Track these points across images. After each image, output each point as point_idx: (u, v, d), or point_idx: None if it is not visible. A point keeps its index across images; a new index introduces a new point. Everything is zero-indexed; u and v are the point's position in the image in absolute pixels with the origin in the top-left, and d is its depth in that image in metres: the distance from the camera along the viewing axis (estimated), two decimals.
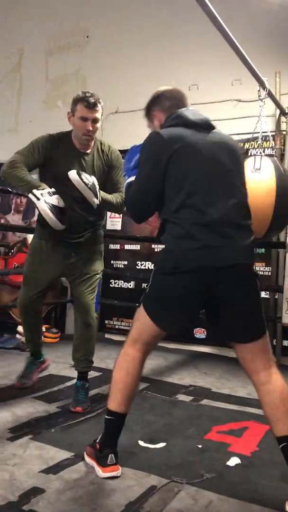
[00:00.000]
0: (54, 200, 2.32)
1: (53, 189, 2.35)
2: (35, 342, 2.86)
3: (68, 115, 2.52)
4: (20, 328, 4.10)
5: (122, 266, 4.86)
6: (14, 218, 5.65)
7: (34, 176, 2.51)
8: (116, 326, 4.81)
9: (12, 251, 4.88)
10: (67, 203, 2.38)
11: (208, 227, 1.65)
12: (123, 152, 5.16)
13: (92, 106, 2.44)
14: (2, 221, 5.62)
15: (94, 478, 1.74)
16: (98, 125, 2.50)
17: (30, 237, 4.70)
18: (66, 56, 5.44)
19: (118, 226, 4.91)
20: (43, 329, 4.29)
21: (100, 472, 1.76)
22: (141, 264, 4.76)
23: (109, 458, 1.76)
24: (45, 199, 2.30)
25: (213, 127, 1.86)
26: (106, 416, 1.82)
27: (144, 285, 4.68)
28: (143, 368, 1.83)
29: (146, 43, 4.92)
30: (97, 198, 2.37)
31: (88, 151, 2.54)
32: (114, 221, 4.93)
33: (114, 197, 2.53)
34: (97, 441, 1.84)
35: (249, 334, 1.69)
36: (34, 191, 2.31)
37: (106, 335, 4.83)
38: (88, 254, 2.61)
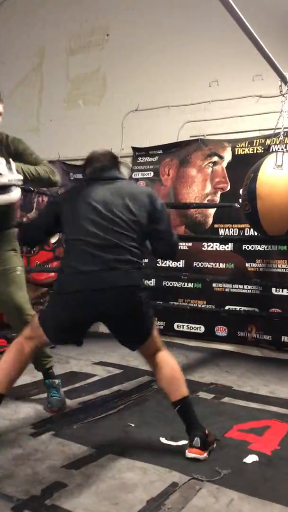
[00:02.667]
0: None
1: None
2: None
3: None
4: None
5: (143, 264, 4.86)
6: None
7: None
8: None
9: (34, 249, 4.94)
10: None
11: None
12: (143, 150, 5.17)
13: None
14: (25, 219, 5.69)
15: (116, 473, 1.76)
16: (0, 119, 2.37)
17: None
18: (87, 55, 5.47)
19: None
20: None
21: None
22: (162, 262, 4.75)
23: None
24: None
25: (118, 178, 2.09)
26: None
27: (164, 282, 4.68)
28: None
29: (166, 41, 4.91)
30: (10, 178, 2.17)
31: None
32: None
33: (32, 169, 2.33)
34: None
35: (135, 343, 2.01)
36: None
37: None
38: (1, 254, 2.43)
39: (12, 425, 2.18)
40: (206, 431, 1.97)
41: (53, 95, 5.66)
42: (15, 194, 2.16)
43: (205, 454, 1.92)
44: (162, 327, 4.66)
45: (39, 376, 3.01)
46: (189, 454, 1.91)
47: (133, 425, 2.24)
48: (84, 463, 1.82)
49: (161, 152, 4.85)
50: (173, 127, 4.79)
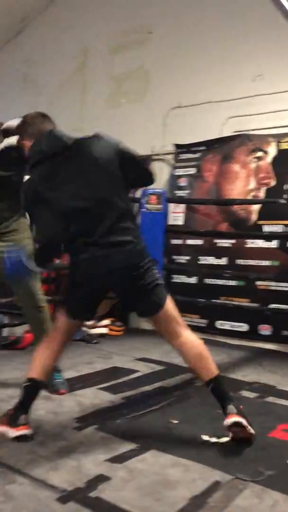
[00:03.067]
0: None
1: None
2: None
3: None
4: None
5: (185, 261, 4.85)
6: None
7: None
8: None
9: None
10: None
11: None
12: (185, 146, 5.15)
13: None
14: None
15: (158, 469, 1.77)
16: None
17: None
18: (129, 53, 5.49)
19: (181, 221, 4.90)
20: (107, 321, 4.40)
21: (13, 432, 1.94)
22: (204, 259, 4.72)
23: (21, 419, 1.97)
24: None
25: (68, 147, 2.01)
26: (26, 384, 2.04)
27: (206, 280, 4.65)
28: (64, 346, 2.11)
29: (208, 36, 4.86)
30: None
31: None
32: (176, 216, 4.92)
33: None
34: (11, 408, 2.04)
35: (150, 308, 2.06)
36: None
37: None
38: (13, 243, 2.55)
39: (57, 419, 2.24)
40: (240, 406, 2.00)
41: (96, 94, 5.72)
42: None
43: (244, 420, 1.93)
44: (204, 325, 4.63)
45: (83, 370, 3.08)
46: (228, 420, 1.93)
47: (175, 421, 2.25)
48: (127, 458, 1.85)
49: (204, 148, 4.80)
50: (216, 122, 4.73)
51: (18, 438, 1.93)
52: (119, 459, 1.83)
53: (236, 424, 1.92)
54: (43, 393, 2.54)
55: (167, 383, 2.90)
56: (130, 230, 2.00)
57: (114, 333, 4.43)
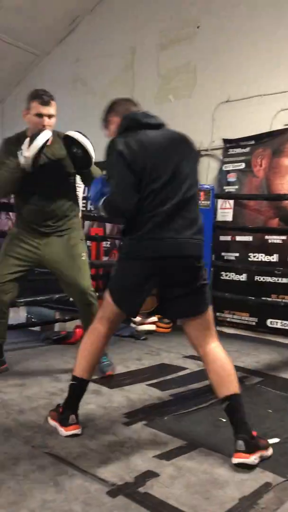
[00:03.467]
0: (27, 148, 2.43)
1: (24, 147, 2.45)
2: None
3: (23, 112, 2.57)
4: None
5: (234, 258, 4.78)
6: None
7: None
8: (228, 319, 4.76)
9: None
10: (39, 197, 2.60)
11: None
12: (234, 141, 5.06)
13: (46, 103, 2.51)
14: None
15: (207, 468, 1.76)
16: (54, 120, 2.57)
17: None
18: (177, 49, 5.47)
19: (229, 217, 4.83)
20: (155, 318, 4.41)
21: (63, 431, 1.97)
22: (254, 256, 4.63)
23: (70, 418, 1.99)
24: (25, 154, 2.44)
25: (163, 125, 2.02)
26: (71, 382, 2.04)
27: (256, 277, 4.56)
28: (107, 341, 2.07)
29: (256, 28, 4.75)
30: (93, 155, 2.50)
31: (48, 144, 2.53)
32: (224, 212, 4.86)
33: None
34: (61, 405, 2.06)
35: (193, 309, 1.94)
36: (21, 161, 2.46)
37: (218, 328, 4.79)
38: (66, 240, 2.71)
39: (107, 413, 2.27)
40: (253, 433, 1.84)
41: (145, 91, 5.73)
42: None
43: (253, 458, 1.76)
44: (254, 323, 4.56)
45: (132, 367, 3.11)
46: (234, 460, 1.77)
47: (224, 420, 2.22)
48: (175, 455, 1.85)
49: (253, 142, 4.71)
50: (265, 116, 4.62)
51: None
52: (167, 456, 1.84)
53: (242, 465, 1.75)
54: (94, 387, 2.60)
55: None
56: (200, 222, 1.97)
57: (162, 330, 4.45)
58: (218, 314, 4.81)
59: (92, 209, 2.16)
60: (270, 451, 1.87)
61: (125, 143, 1.88)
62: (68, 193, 2.73)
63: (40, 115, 2.50)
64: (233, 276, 4.76)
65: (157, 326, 4.44)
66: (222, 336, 4.58)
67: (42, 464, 1.72)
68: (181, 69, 5.43)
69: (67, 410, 2.01)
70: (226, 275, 4.80)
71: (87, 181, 2.68)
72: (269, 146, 4.58)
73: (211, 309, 2.00)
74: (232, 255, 4.80)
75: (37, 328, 4.26)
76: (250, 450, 1.77)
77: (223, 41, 5.02)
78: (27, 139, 2.45)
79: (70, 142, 2.50)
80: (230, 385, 1.88)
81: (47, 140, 2.46)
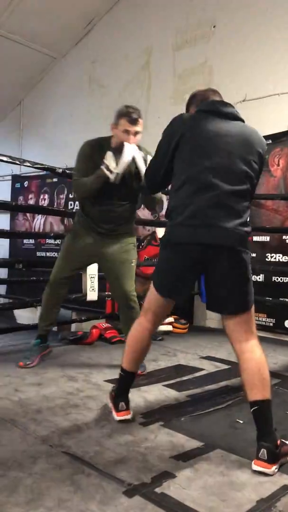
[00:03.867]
0: (114, 162, 2.60)
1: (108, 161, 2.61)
2: (47, 323, 3.08)
3: (112, 126, 2.71)
4: None
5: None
6: (144, 213, 5.86)
7: None
8: None
9: (143, 244, 5.08)
10: (108, 200, 2.77)
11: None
12: None
13: (134, 121, 2.66)
14: None
15: (224, 469, 1.75)
16: (139, 136, 2.73)
17: (159, 230, 4.85)
18: (193, 49, 5.45)
19: None
20: (171, 319, 4.40)
21: (115, 416, 2.13)
22: (271, 256, 4.59)
23: (120, 405, 2.12)
24: (114, 166, 2.59)
25: (238, 119, 1.94)
26: (120, 372, 2.15)
27: (274, 278, 4.52)
28: (150, 336, 2.10)
29: (272, 27, 4.71)
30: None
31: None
32: None
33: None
34: (114, 390, 2.20)
35: (235, 307, 1.88)
36: (108, 172, 2.60)
37: None
38: (123, 244, 2.90)
39: None
40: (278, 442, 1.78)
41: (161, 92, 5.74)
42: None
43: (273, 468, 1.71)
44: (271, 324, 4.51)
45: (149, 367, 3.10)
46: (255, 466, 1.72)
47: (241, 421, 2.21)
48: (192, 456, 1.84)
49: (270, 142, 4.66)
50: (283, 115, 4.58)
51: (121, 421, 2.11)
52: (184, 457, 1.83)
53: (262, 473, 1.71)
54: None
55: (233, 382, 2.85)
56: (246, 216, 1.93)
57: (178, 330, 4.44)
58: None
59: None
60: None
61: (192, 119, 1.91)
62: (134, 200, 2.90)
63: (127, 132, 2.65)
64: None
65: (174, 327, 4.43)
66: None
67: (59, 463, 1.73)
68: (197, 69, 5.41)
69: (118, 398, 2.14)
70: None
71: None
72: (287, 145, 4.53)
73: (253, 307, 1.93)
74: None
75: (54, 328, 4.28)
76: (272, 460, 1.73)
77: (239, 40, 5.00)
78: (111, 153, 2.60)
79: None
80: (263, 390, 1.80)
81: (133, 157, 2.62)
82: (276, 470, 1.73)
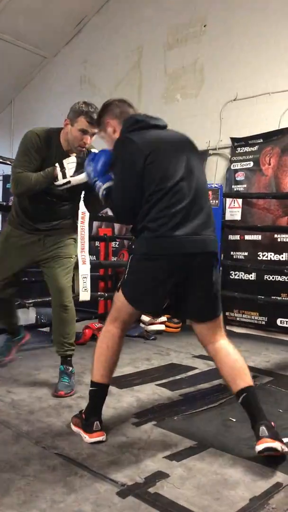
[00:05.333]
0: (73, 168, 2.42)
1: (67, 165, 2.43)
2: (9, 324, 3.01)
3: (66, 121, 2.50)
4: (143, 317, 4.26)
5: (243, 257, 4.76)
6: None
7: None
8: (238, 319, 4.74)
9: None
10: (49, 199, 2.55)
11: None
12: (242, 140, 5.04)
13: (94, 122, 2.41)
14: None
15: (217, 468, 1.75)
16: (94, 138, 2.54)
17: None
18: (184, 48, 5.46)
19: (238, 216, 4.81)
20: (164, 318, 4.40)
21: (87, 438, 1.93)
22: (263, 255, 4.61)
23: (95, 425, 1.94)
24: (71, 174, 2.42)
25: (166, 127, 2.03)
26: (91, 388, 1.99)
27: (266, 276, 4.54)
28: (122, 343, 2.01)
29: (264, 26, 4.73)
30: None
31: (73, 154, 2.54)
32: (233, 211, 4.84)
33: None
34: (83, 411, 2.01)
35: (214, 312, 1.95)
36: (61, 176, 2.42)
37: (227, 327, 4.78)
38: (60, 239, 2.68)
39: (117, 413, 2.27)
40: (273, 423, 1.83)
41: (152, 91, 5.74)
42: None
43: (278, 444, 1.73)
44: (263, 322, 4.54)
45: (142, 367, 3.11)
46: (259, 446, 1.73)
47: (234, 420, 2.22)
48: (185, 455, 1.84)
49: (261, 141, 4.69)
50: (274, 114, 4.60)
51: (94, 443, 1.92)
52: (177, 456, 1.83)
53: (269, 449, 1.73)
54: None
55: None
56: (213, 219, 1.96)
57: (171, 330, 4.44)
58: (227, 313, 4.79)
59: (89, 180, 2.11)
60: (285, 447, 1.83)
61: (142, 138, 1.89)
62: (78, 200, 2.72)
63: (85, 132, 2.47)
64: (242, 275, 4.74)
65: (167, 326, 4.44)
66: (231, 335, 4.55)
67: (52, 464, 1.72)
68: (188, 68, 5.42)
69: (90, 417, 1.96)
70: (235, 274, 4.79)
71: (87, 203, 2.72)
72: (278, 144, 4.55)
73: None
74: (241, 254, 4.78)
75: (46, 329, 4.27)
76: (273, 436, 1.76)
77: (230, 39, 5.01)
78: (75, 159, 2.43)
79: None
80: (245, 377, 1.88)
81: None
82: (285, 449, 1.74)
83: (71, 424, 2.06)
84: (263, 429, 1.77)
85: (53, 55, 6.96)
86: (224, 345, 1.95)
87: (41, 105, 7.12)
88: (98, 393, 1.99)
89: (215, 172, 5.01)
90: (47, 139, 2.50)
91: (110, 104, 2.09)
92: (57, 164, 2.43)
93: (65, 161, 2.43)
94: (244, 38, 4.89)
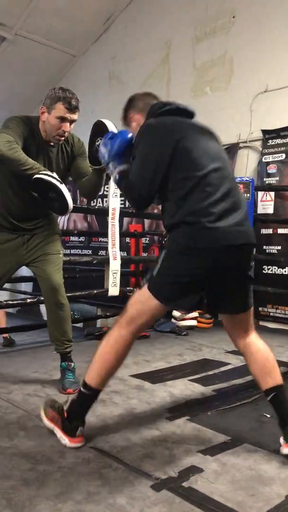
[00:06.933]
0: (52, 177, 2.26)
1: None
2: None
3: (42, 109, 2.35)
4: (175, 313, 4.26)
5: (276, 252, 4.68)
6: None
7: None
8: (271, 314, 4.67)
9: (166, 239, 5.07)
10: (26, 192, 2.37)
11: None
12: (273, 132, 4.93)
13: (73, 108, 2.31)
14: (155, 211, 5.86)
15: (252, 464, 1.73)
16: (73, 126, 2.39)
17: None
18: (212, 41, 5.39)
19: (270, 210, 4.73)
20: (196, 314, 4.39)
21: (68, 442, 1.81)
22: None
23: (79, 430, 1.82)
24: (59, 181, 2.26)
25: (194, 115, 1.95)
26: (83, 389, 1.83)
27: None
28: (131, 347, 1.85)
29: None
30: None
31: (53, 144, 2.43)
32: (265, 205, 4.76)
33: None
34: (65, 409, 1.86)
35: (248, 304, 1.87)
36: (48, 173, 2.24)
37: (261, 323, 4.72)
38: (45, 237, 2.54)
39: (150, 408, 2.28)
40: None
41: (181, 85, 5.70)
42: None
43: None
44: None
45: (174, 362, 3.11)
46: (285, 450, 1.74)
47: (268, 416, 2.19)
48: (219, 450, 1.83)
49: None
50: None
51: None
52: (211, 451, 1.83)
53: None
54: (136, 382, 2.61)
55: None
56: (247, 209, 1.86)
57: (203, 325, 4.42)
58: (260, 308, 4.73)
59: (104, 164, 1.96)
60: None
61: (172, 120, 1.81)
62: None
63: (63, 119, 2.32)
64: (275, 269, 4.66)
65: (199, 322, 4.42)
66: (265, 330, 4.52)
67: (87, 457, 1.75)
68: (217, 61, 5.35)
69: (75, 420, 1.83)
70: (268, 269, 4.71)
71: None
72: None
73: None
74: (274, 248, 4.70)
75: (80, 324, 4.34)
76: None
77: (259, 30, 4.92)
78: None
79: (44, 185, 2.26)
80: (275, 376, 1.83)
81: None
82: None
83: (43, 416, 1.92)
84: None
85: (82, 53, 7.01)
86: (254, 340, 1.89)
87: None
88: (88, 397, 1.84)
89: (246, 165, 4.94)
90: (28, 126, 2.35)
91: (134, 99, 2.00)
92: (47, 171, 2.26)
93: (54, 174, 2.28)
94: (274, 28, 4.79)
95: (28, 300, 3.90)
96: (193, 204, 1.70)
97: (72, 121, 2.35)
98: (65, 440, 1.82)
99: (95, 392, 1.83)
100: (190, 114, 1.94)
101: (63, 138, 2.40)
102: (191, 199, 1.70)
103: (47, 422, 1.91)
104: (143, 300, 1.79)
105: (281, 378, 1.84)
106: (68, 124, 2.34)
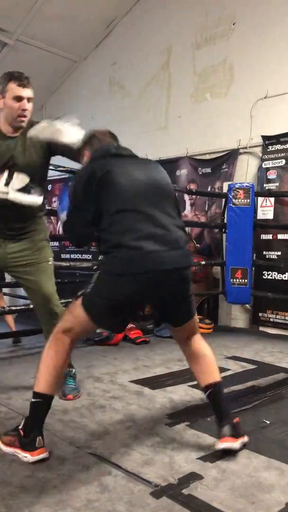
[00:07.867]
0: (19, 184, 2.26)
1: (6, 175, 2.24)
2: None
3: None
4: None
5: (275, 257, 4.69)
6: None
7: None
8: (271, 319, 4.66)
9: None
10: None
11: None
12: (273, 138, 4.97)
13: (25, 83, 2.22)
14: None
15: (252, 471, 1.73)
16: (31, 105, 2.29)
17: None
18: (213, 47, 5.42)
19: (270, 215, 4.74)
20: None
21: (29, 457, 1.73)
22: None
23: (37, 441, 1.75)
24: (16, 188, 2.26)
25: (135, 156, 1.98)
26: (33, 400, 1.80)
27: None
28: (71, 355, 1.91)
29: None
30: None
31: (15, 134, 2.31)
32: (265, 210, 4.77)
33: None
34: (20, 427, 1.81)
35: (191, 314, 2.00)
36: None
37: (261, 328, 4.72)
38: (32, 243, 2.42)
39: (149, 414, 2.28)
40: (236, 419, 1.89)
41: (181, 91, 5.72)
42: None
43: (238, 443, 1.83)
44: None
45: (174, 368, 3.10)
46: (220, 444, 1.82)
47: (268, 422, 2.18)
48: (219, 457, 1.82)
49: None
50: None
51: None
52: (211, 457, 1.82)
53: (228, 450, 1.83)
54: (136, 388, 2.60)
55: (259, 382, 2.82)
56: (182, 225, 1.92)
57: (203, 330, 4.40)
58: (260, 314, 4.73)
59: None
60: (246, 438, 1.88)
61: (99, 163, 1.85)
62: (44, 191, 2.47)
63: (19, 98, 2.23)
64: (275, 275, 4.66)
65: (198, 327, 4.41)
66: (265, 336, 4.53)
67: (87, 464, 1.74)
68: (218, 67, 5.38)
69: (32, 432, 1.77)
70: (268, 274, 4.71)
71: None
72: None
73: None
74: (274, 254, 4.71)
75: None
76: (236, 435, 1.84)
77: (259, 36, 4.94)
78: (25, 181, 2.28)
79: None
80: (215, 373, 1.95)
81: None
82: (239, 446, 1.83)
83: (1, 444, 1.84)
84: (227, 429, 1.84)
85: (83, 59, 7.04)
86: (196, 340, 2.01)
87: (71, 108, 7.21)
88: (42, 405, 1.81)
89: (246, 171, 4.95)
90: None
91: (93, 137, 2.04)
92: (7, 170, 2.23)
93: (17, 173, 2.26)
94: (274, 35, 4.82)
95: (31, 306, 3.89)
96: (120, 232, 1.75)
97: (29, 99, 2.27)
98: (26, 456, 1.74)
99: (46, 398, 1.81)
100: (124, 155, 1.95)
101: (24, 118, 2.29)
102: (117, 227, 1.76)
103: (6, 448, 1.82)
104: (78, 312, 1.82)
105: (219, 375, 1.97)
106: (25, 102, 2.25)
